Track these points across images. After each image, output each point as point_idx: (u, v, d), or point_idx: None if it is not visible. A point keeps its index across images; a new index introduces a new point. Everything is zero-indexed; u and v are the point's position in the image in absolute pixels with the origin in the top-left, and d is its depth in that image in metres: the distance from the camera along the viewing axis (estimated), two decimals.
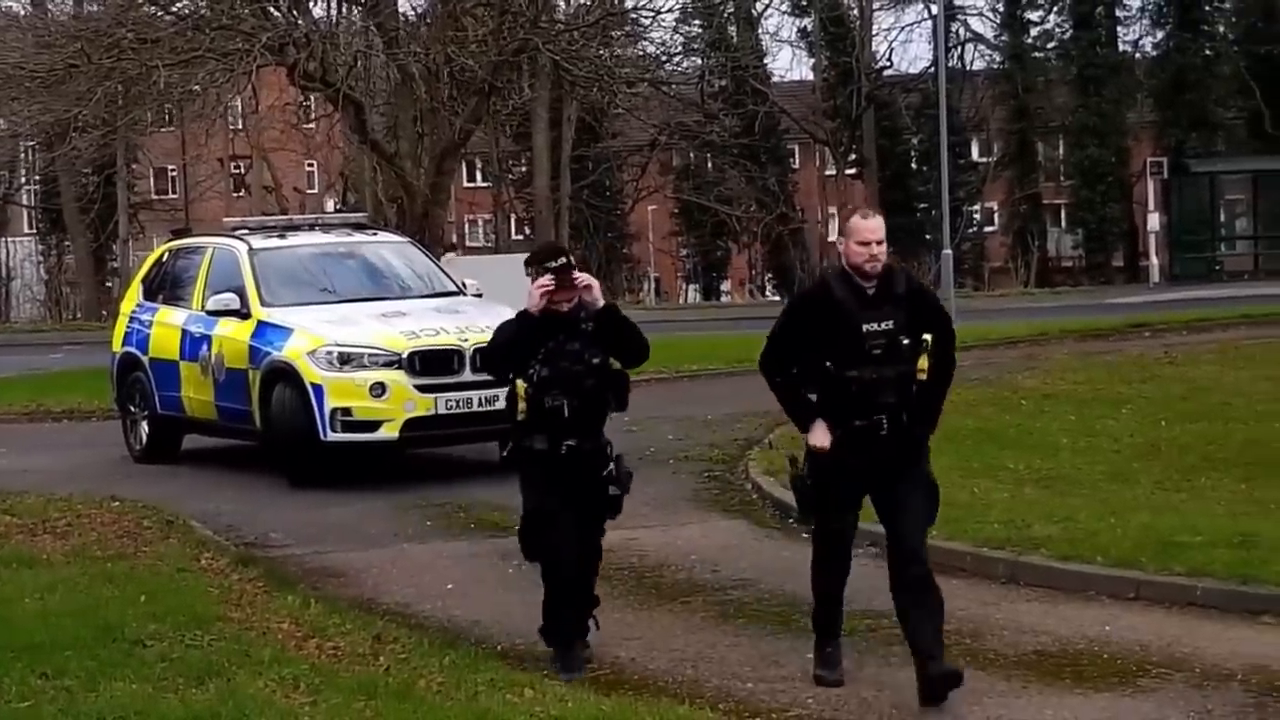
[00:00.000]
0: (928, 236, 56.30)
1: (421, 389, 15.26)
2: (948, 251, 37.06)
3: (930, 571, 8.22)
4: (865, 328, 8.11)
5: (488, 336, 9.56)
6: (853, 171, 59.81)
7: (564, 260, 8.87)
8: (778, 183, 58.22)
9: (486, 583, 11.28)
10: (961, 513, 11.94)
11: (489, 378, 11.32)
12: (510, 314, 9.25)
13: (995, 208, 63.97)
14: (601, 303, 8.93)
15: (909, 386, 8.21)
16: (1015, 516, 11.92)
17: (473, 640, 9.58)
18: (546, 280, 8.76)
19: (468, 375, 15.16)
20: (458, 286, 17.52)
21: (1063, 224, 62.99)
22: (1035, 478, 14.24)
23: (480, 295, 17.32)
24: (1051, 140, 62.39)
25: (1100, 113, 56.27)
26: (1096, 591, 10.18)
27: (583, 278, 8.89)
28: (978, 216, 63.11)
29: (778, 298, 52.02)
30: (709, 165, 61.73)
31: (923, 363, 8.20)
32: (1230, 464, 14.98)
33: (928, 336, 8.22)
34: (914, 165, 61.03)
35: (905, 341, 8.16)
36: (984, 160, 63.65)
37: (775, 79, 62.15)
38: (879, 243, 8.19)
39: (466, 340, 15.28)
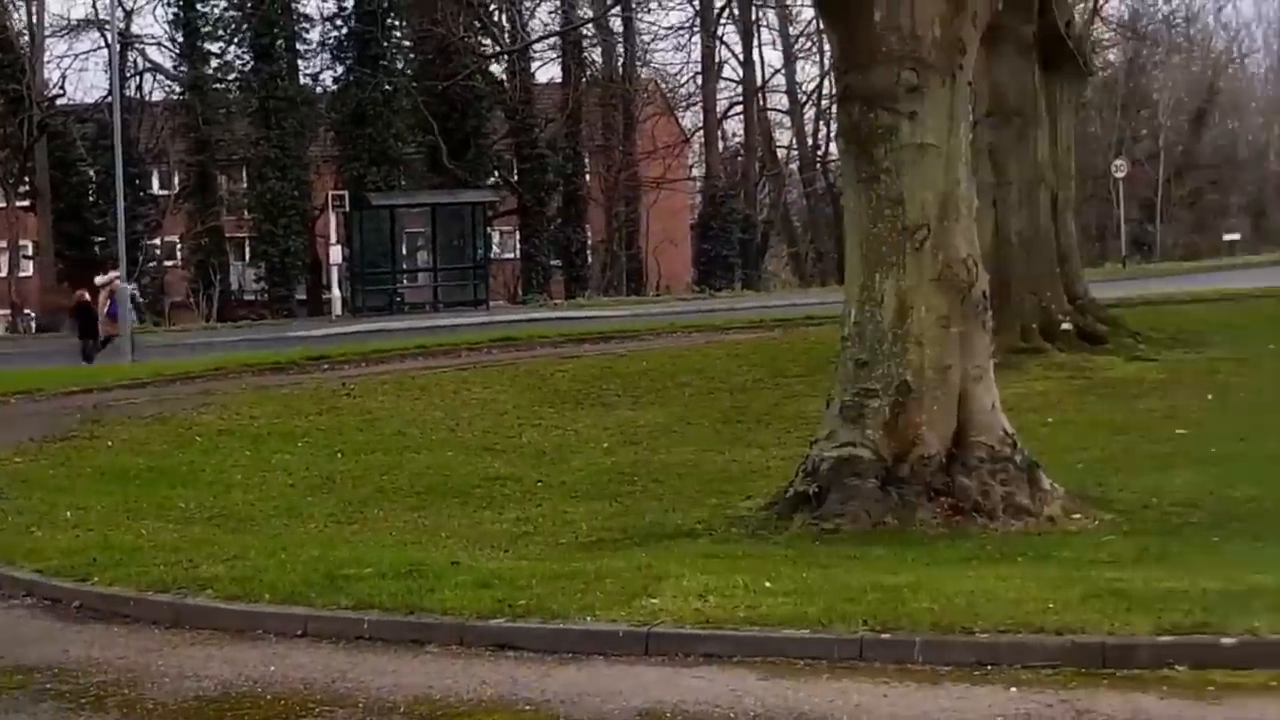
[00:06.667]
0: None
1: None
2: (126, 286, 36.18)
3: None
4: None
5: None
6: (25, 203, 57.91)
7: None
8: None
9: None
10: (127, 555, 11.56)
11: None
12: None
13: (177, 241, 63.05)
14: None
15: None
16: (182, 557, 11.48)
17: None
18: None
19: None
20: None
21: (246, 257, 62.89)
22: (206, 515, 13.96)
23: None
24: (233, 173, 62.26)
25: (282, 146, 56.56)
26: (264, 630, 9.78)
27: None
28: (158, 250, 62.18)
29: None
30: None
31: None
32: (403, 493, 15.20)
33: None
34: (91, 197, 59.15)
35: None
36: (165, 192, 62.86)
37: None
38: None
39: None
